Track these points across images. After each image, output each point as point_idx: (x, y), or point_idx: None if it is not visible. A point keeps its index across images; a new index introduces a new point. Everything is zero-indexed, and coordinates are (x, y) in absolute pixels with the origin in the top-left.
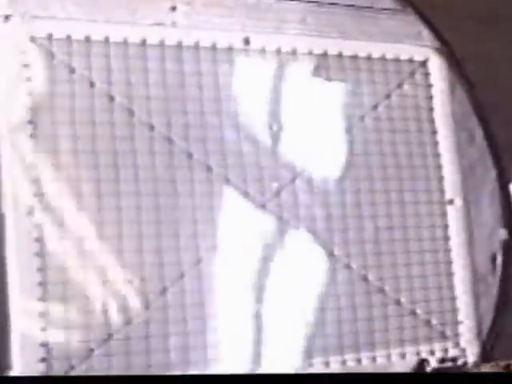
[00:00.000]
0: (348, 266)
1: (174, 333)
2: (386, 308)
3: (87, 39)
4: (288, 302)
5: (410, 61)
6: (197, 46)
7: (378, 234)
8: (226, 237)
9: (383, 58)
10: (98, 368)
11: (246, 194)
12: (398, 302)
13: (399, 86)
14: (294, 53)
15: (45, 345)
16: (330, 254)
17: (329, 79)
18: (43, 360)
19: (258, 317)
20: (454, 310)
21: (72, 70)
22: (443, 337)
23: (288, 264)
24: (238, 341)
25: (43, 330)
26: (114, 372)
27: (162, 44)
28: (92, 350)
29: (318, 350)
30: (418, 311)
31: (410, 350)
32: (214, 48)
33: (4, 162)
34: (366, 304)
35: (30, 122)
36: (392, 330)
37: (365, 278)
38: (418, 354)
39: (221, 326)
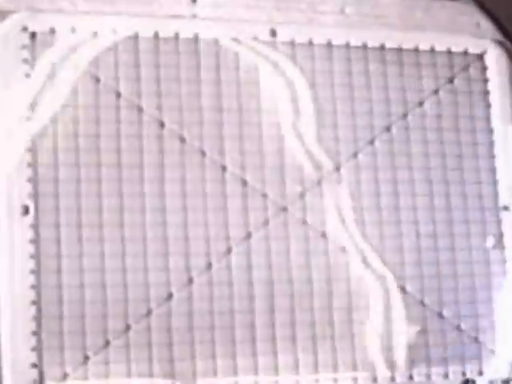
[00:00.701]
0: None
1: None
2: (426, 322)
3: (95, 34)
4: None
5: (465, 53)
6: (216, 39)
7: (419, 241)
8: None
9: (432, 51)
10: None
11: (264, 196)
12: (440, 316)
13: (450, 80)
14: (328, 45)
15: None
16: (364, 261)
17: (368, 73)
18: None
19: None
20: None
21: (76, 66)
22: (493, 355)
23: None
24: None
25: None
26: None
27: (177, 37)
28: (87, 358)
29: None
30: (464, 327)
31: (453, 368)
32: (236, 40)
33: None
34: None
35: (28, 119)
36: (433, 346)
37: (403, 289)
38: (463, 374)
39: None
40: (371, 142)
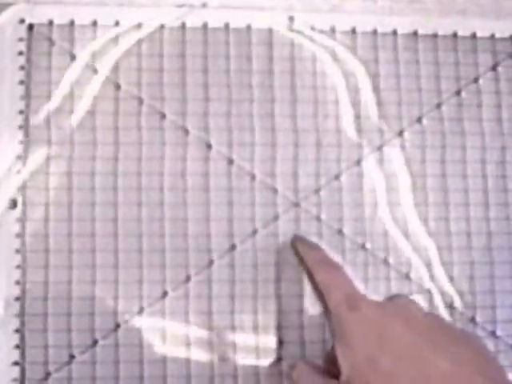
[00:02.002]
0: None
1: None
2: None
3: (95, 25)
4: None
5: (511, 39)
6: (227, 27)
7: (450, 239)
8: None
9: (472, 36)
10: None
11: (274, 191)
12: (473, 321)
13: (492, 68)
14: (353, 31)
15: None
16: (385, 262)
17: (395, 61)
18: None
19: None
20: None
21: (73, 57)
22: None
23: None
24: None
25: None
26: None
27: (183, 27)
28: (73, 357)
29: None
30: (499, 333)
31: None
32: (249, 28)
33: None
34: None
35: (21, 112)
36: None
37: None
38: None
39: None
40: (400, 134)
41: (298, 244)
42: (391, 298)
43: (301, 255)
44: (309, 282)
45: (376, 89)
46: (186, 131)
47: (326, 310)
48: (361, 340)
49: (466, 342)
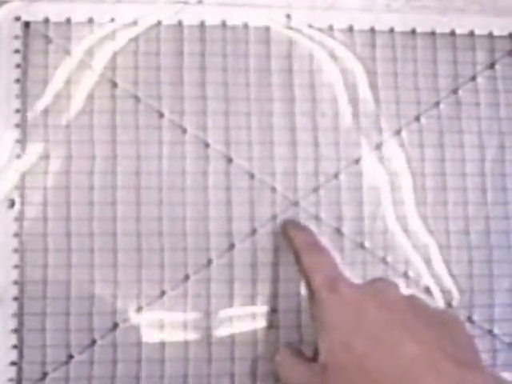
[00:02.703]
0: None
1: None
2: None
3: (91, 23)
4: None
5: (510, 36)
6: (224, 25)
7: (448, 238)
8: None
9: (470, 34)
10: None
11: (272, 190)
12: (470, 320)
13: (490, 66)
14: (350, 29)
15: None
16: (384, 260)
17: (393, 59)
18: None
19: None
20: None
21: (69, 55)
22: None
23: None
24: None
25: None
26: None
27: (180, 24)
28: (71, 357)
29: None
30: (497, 331)
31: None
32: (246, 26)
33: None
34: None
35: (18, 111)
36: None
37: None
38: None
39: None
40: (398, 133)
41: (287, 227)
42: (373, 281)
43: (290, 238)
44: (296, 264)
45: (374, 87)
46: (184, 130)
47: (310, 293)
48: (338, 323)
49: (441, 326)
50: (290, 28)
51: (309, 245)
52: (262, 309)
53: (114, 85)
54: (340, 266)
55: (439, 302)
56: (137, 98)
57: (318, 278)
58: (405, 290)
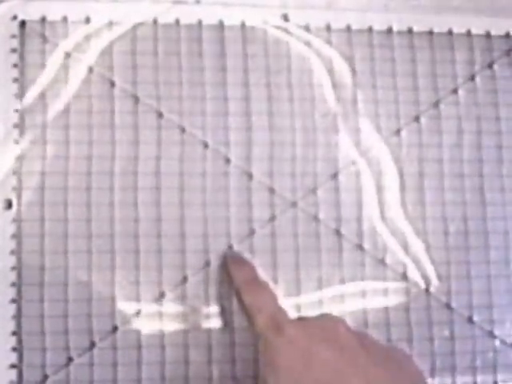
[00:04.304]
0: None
1: None
2: (453, 326)
3: (88, 22)
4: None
5: (507, 36)
6: (221, 24)
7: (447, 239)
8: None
9: (468, 34)
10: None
11: (271, 191)
12: (470, 320)
13: (489, 66)
14: (348, 29)
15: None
16: (382, 262)
17: (392, 59)
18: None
19: None
20: None
21: (67, 55)
22: None
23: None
24: None
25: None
26: None
27: (177, 24)
28: (71, 359)
29: None
30: (496, 332)
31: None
32: (243, 26)
33: None
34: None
35: (16, 111)
36: (460, 353)
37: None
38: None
39: None
40: (397, 133)
41: (228, 262)
42: (319, 318)
43: (230, 274)
44: (238, 301)
45: (373, 87)
46: (183, 130)
47: (254, 332)
48: (287, 365)
49: (390, 362)
50: (287, 28)
51: (249, 282)
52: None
53: (112, 84)
54: (280, 301)
55: (418, 288)
56: (135, 98)
57: (261, 318)
58: (352, 325)
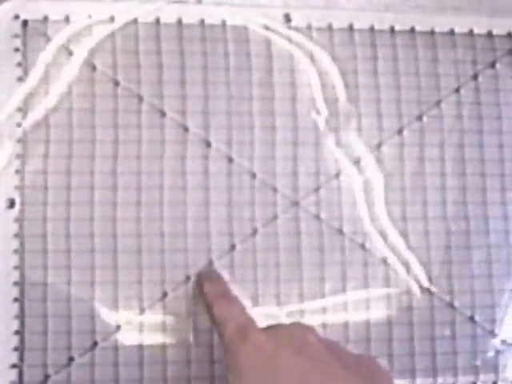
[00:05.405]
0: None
1: None
2: (455, 326)
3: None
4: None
5: (509, 36)
6: (223, 24)
7: (448, 237)
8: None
9: (469, 34)
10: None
11: (273, 190)
12: (471, 320)
13: (491, 65)
14: (350, 29)
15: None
16: (384, 261)
17: (393, 58)
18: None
19: None
20: None
21: (70, 54)
22: None
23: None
24: None
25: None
26: None
27: (180, 23)
28: (72, 359)
29: None
30: (497, 331)
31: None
32: (245, 26)
33: None
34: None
35: (20, 110)
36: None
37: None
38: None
39: None
40: (399, 132)
41: (201, 278)
42: (288, 326)
43: (202, 291)
44: (209, 317)
45: (375, 87)
46: (186, 129)
47: (222, 344)
48: (253, 373)
49: (359, 368)
50: (289, 27)
51: (219, 296)
52: (264, 310)
53: (116, 83)
54: (250, 314)
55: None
56: (139, 97)
57: (228, 327)
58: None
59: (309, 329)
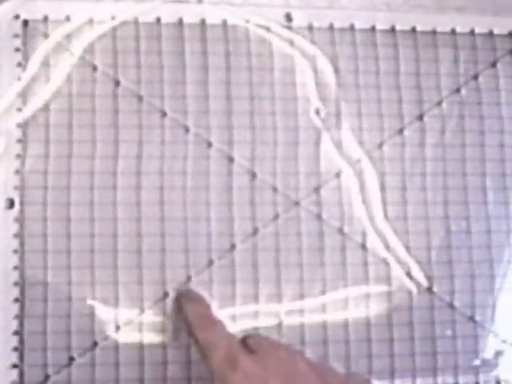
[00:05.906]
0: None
1: None
2: (455, 325)
3: (91, 20)
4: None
5: (510, 35)
6: (225, 23)
7: (449, 237)
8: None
9: (471, 33)
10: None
11: (274, 190)
12: (471, 319)
13: (492, 65)
14: (351, 28)
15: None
16: (385, 261)
17: (394, 58)
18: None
19: None
20: None
21: (70, 53)
22: None
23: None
24: None
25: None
26: None
27: (181, 23)
28: (72, 359)
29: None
30: (498, 332)
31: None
32: (245, 26)
33: None
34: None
35: (19, 110)
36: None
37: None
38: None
39: None
40: (400, 132)
41: (180, 299)
42: (276, 351)
43: (183, 310)
44: (190, 338)
45: (376, 86)
46: (186, 129)
47: (209, 369)
48: None
49: None
50: (290, 27)
51: (202, 319)
52: (264, 309)
53: (117, 83)
54: (234, 336)
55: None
56: (139, 97)
57: (216, 355)
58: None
59: (298, 354)
